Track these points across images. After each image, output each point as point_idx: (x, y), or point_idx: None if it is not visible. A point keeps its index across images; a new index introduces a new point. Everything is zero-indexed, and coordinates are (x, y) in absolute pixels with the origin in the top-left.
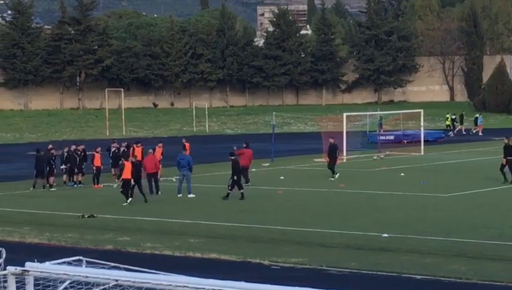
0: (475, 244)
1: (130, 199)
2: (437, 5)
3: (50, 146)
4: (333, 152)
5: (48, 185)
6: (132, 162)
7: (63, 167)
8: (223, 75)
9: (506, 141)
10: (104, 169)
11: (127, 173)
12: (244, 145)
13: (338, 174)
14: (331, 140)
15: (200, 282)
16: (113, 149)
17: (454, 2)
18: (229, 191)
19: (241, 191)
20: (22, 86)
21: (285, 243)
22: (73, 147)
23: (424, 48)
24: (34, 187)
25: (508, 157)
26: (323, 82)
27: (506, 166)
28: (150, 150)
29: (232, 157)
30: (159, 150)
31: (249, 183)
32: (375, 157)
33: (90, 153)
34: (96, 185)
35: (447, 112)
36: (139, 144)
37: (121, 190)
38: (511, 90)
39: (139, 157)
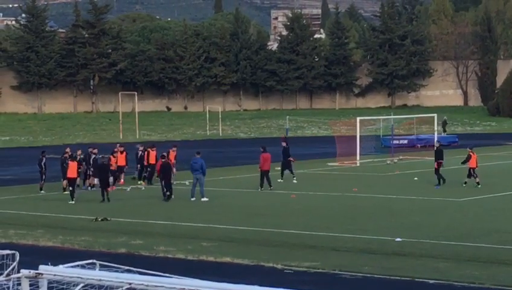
0: (488, 249)
1: (72, 201)
2: (451, 9)
3: (67, 149)
4: (287, 155)
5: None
6: (101, 164)
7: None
8: (236, 79)
9: (437, 145)
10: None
11: (71, 172)
12: (262, 149)
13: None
14: (283, 143)
15: (213, 286)
16: (96, 155)
17: (468, 6)
18: (167, 193)
19: (167, 192)
20: (36, 89)
21: (298, 247)
22: (94, 151)
23: (438, 52)
24: (40, 189)
25: (439, 161)
26: (336, 86)
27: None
28: (164, 154)
29: (163, 160)
30: (172, 154)
31: (262, 188)
32: (388, 162)
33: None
34: (109, 188)
35: None
36: (155, 148)
37: (70, 189)
38: None
39: (152, 161)
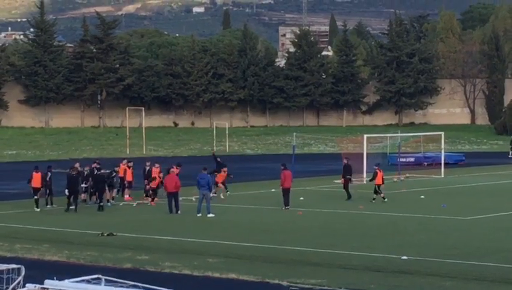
0: (495, 268)
1: (38, 209)
2: (459, 27)
3: (76, 164)
4: (221, 169)
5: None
6: (71, 175)
7: (83, 185)
8: (244, 95)
9: (345, 161)
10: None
11: (35, 183)
12: (282, 167)
13: (228, 192)
14: (218, 159)
15: None
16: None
17: (475, 25)
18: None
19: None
20: (44, 103)
21: (304, 264)
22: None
23: (446, 71)
24: (46, 204)
25: (346, 177)
26: (344, 103)
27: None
28: (172, 169)
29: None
30: (175, 172)
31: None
32: (395, 180)
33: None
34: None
35: None
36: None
37: (34, 198)
38: None
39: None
